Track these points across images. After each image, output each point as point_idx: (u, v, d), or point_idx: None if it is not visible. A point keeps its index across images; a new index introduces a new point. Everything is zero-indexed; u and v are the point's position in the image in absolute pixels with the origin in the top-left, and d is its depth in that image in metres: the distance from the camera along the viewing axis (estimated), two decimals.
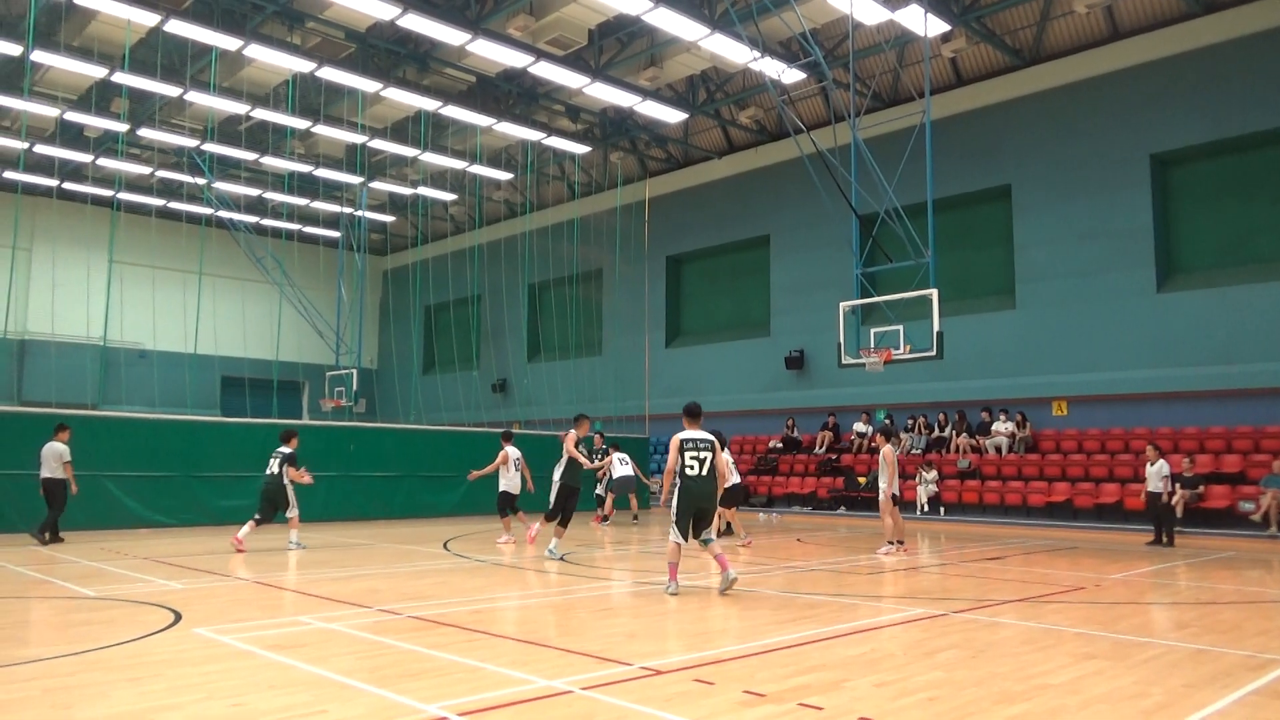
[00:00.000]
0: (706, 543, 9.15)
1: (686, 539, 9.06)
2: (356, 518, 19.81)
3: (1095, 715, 4.78)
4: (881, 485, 13.70)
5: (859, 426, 24.18)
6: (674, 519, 9.10)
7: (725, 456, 14.19)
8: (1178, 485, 17.41)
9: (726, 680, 5.43)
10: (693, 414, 9.57)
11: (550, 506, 12.72)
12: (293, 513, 13.63)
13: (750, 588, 9.54)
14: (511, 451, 14.63)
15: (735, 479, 14.72)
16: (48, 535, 13.83)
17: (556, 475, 12.67)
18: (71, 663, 5.84)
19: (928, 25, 18.09)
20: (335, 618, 7.54)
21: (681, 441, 9.16)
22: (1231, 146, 19.47)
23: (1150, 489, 15.44)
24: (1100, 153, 20.87)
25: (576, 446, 12.74)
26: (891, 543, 13.48)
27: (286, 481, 13.50)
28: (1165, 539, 15.44)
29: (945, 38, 21.02)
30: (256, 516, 13.29)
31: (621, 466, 19.05)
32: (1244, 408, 18.58)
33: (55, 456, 13.89)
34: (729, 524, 15.17)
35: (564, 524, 12.58)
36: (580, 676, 5.48)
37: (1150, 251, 20.03)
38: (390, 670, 5.66)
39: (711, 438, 9.32)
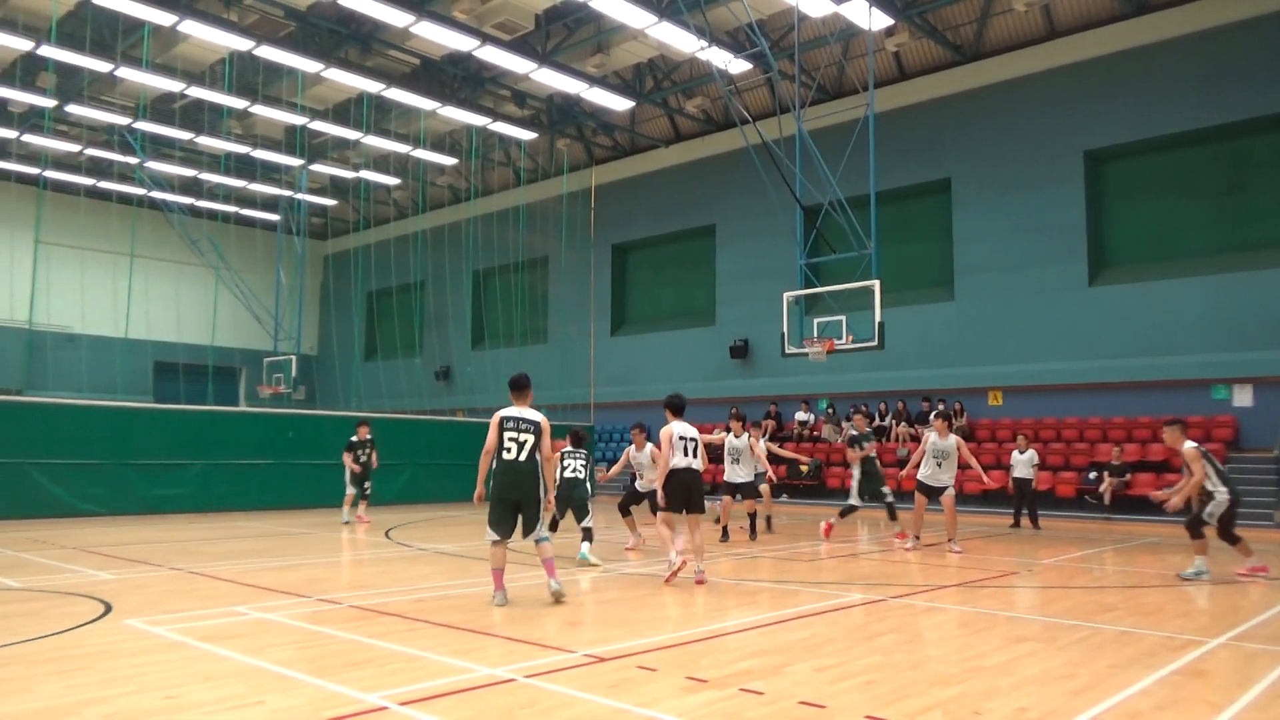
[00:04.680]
0: (540, 542, 7.79)
1: (506, 536, 7.67)
2: (296, 506, 19.48)
3: (1026, 696, 4.92)
4: (945, 478, 12.27)
5: (801, 415, 24.48)
6: (488, 514, 7.68)
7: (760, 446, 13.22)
8: (1106, 473, 18.00)
9: (669, 667, 5.46)
10: (516, 386, 7.98)
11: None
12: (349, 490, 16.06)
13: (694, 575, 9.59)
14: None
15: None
16: None
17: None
18: None
19: (872, 19, 18.30)
20: (273, 608, 7.40)
21: (501, 419, 7.72)
22: (1160, 145, 20.09)
23: (1017, 475, 16.00)
24: (1036, 148, 21.37)
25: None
26: (917, 536, 12.52)
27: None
28: (1033, 523, 16.12)
29: (889, 32, 21.29)
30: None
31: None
32: (1169, 398, 19.23)
33: None
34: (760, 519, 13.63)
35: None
36: (523, 664, 5.47)
37: (1083, 246, 20.59)
38: (329, 660, 5.58)
39: (539, 419, 7.78)
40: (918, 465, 12.49)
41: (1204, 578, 9.48)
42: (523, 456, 7.62)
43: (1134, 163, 20.65)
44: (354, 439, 16.12)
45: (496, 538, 7.67)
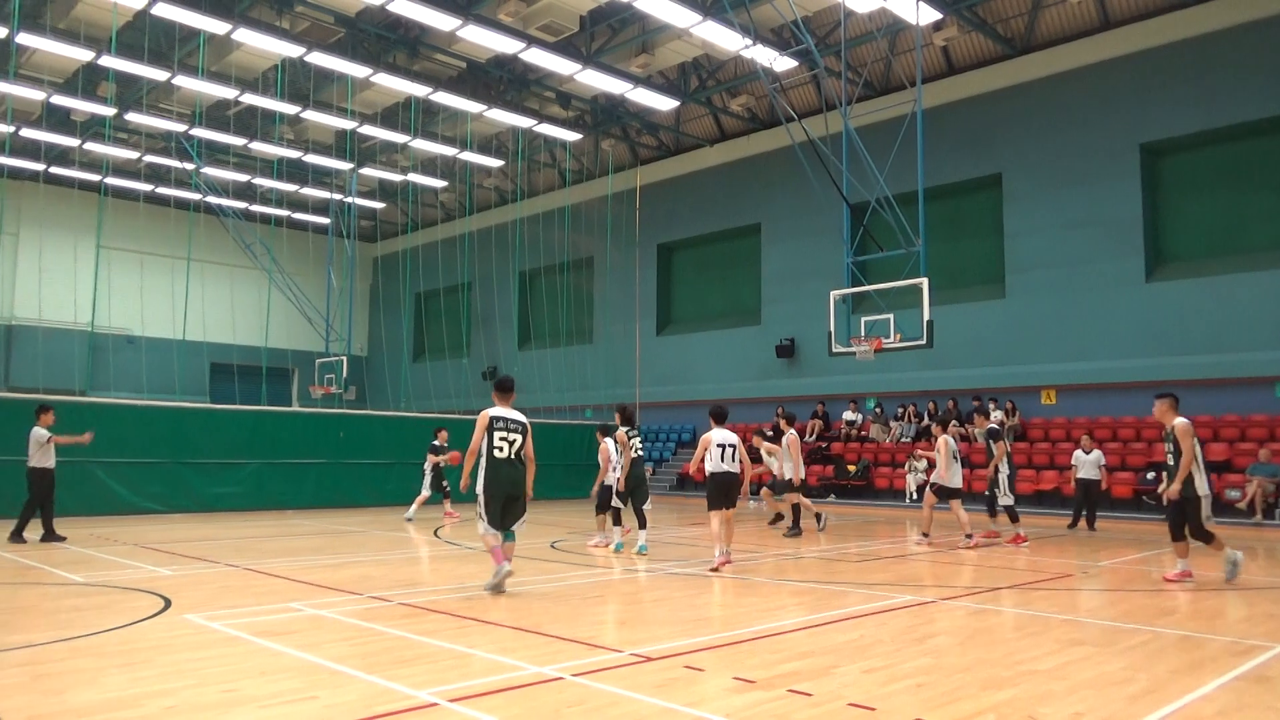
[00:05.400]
0: (509, 537, 8.30)
1: (497, 528, 8.10)
2: (348, 505, 19.80)
3: (1082, 701, 4.82)
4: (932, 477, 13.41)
5: (848, 415, 24.26)
6: (482, 508, 8.04)
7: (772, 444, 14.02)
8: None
9: (716, 666, 5.45)
10: (504, 389, 8.39)
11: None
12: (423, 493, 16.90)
13: (741, 575, 9.58)
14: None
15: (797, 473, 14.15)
16: (24, 534, 12.14)
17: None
18: (62, 649, 5.83)
19: (919, 13, 18.07)
20: (326, 604, 7.54)
21: (491, 419, 8.07)
22: (1220, 136, 19.54)
23: (1083, 475, 15.71)
24: (1091, 142, 20.92)
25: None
26: (926, 534, 13.38)
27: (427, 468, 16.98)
28: (1089, 524, 15.85)
29: (937, 26, 21.01)
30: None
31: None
32: (1231, 396, 18.71)
33: (34, 442, 12.30)
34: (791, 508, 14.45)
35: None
36: (571, 663, 5.50)
37: (1140, 241, 20.12)
38: (381, 657, 5.66)
39: (524, 420, 8.26)
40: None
41: (1239, 560, 9.50)
42: (514, 455, 8.10)
43: (1193, 155, 20.12)
44: (435, 443, 17.23)
45: (496, 530, 8.10)
